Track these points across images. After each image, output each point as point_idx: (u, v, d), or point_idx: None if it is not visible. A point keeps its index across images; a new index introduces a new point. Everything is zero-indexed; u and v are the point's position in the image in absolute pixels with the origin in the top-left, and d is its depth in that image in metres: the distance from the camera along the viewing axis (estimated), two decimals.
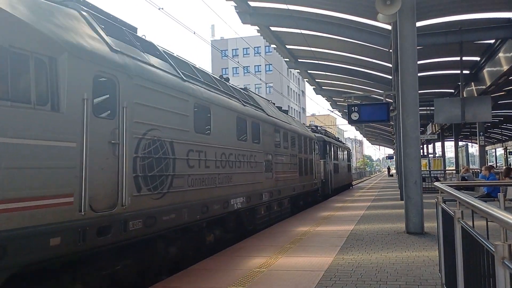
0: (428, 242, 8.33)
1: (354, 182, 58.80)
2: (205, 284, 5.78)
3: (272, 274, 6.15)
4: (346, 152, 31.89)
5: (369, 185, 39.70)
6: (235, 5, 14.41)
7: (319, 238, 9.27)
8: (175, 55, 8.34)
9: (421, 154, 17.12)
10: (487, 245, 2.35)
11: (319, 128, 25.16)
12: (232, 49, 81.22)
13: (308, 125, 26.27)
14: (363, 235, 9.40)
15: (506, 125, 39.97)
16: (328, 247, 8.12)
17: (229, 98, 9.55)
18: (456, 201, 3.85)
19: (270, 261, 6.98)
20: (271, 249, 8.10)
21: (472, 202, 2.76)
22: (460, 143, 36.28)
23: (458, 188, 6.41)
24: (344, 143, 35.13)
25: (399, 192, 19.73)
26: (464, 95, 17.39)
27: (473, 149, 54.27)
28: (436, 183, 5.31)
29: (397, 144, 23.61)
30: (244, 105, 10.47)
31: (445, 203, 4.66)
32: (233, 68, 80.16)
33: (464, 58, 15.92)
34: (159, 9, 15.00)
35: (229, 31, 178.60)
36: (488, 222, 5.93)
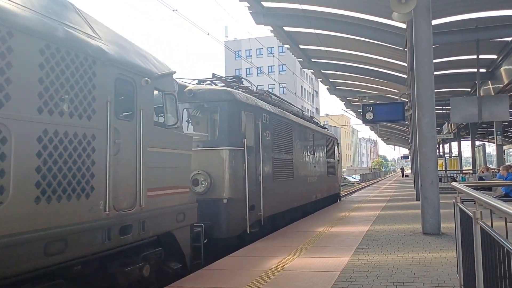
0: (445, 243, 8.22)
1: (363, 184, 58.03)
2: (219, 284, 5.79)
3: (287, 274, 6.13)
4: (325, 143, 18.21)
5: (382, 186, 39.41)
6: (249, 5, 14.41)
7: (334, 238, 9.22)
8: None
9: (437, 154, 15.95)
10: (508, 246, 2.31)
11: (245, 82, 11.75)
12: (246, 50, 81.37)
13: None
14: (379, 236, 9.32)
15: None
16: (344, 247, 8.07)
17: None
18: (474, 201, 3.80)
19: (285, 262, 6.96)
20: (286, 249, 8.08)
21: (492, 203, 2.71)
22: (477, 143, 35.79)
23: (476, 188, 6.32)
24: (323, 126, 20.67)
25: (414, 192, 19.53)
26: (481, 94, 17.15)
27: (490, 148, 53.47)
28: (454, 183, 5.24)
29: (412, 144, 23.36)
30: None
31: (463, 204, 4.59)
32: (246, 68, 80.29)
33: (480, 56, 15.68)
34: (173, 10, 15.10)
35: (242, 32, 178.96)
36: (508, 223, 5.83)
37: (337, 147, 21.71)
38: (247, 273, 6.29)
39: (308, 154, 15.06)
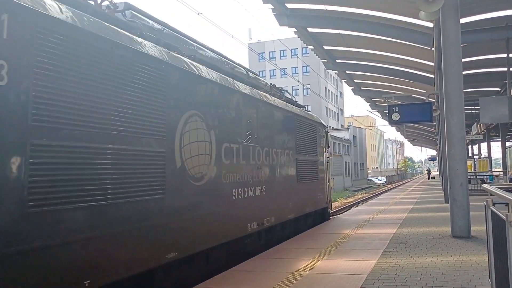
0: (475, 246, 8.03)
1: (389, 186, 57.27)
2: (245, 286, 5.80)
3: (313, 277, 6.09)
4: (293, 128, 11.08)
5: (409, 188, 38.78)
6: (272, 7, 14.43)
7: (360, 241, 9.12)
8: None
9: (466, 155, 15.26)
10: None
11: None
12: (269, 52, 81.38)
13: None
14: (407, 239, 9.16)
15: None
16: (370, 250, 7.97)
17: None
18: (506, 204, 3.70)
19: (311, 264, 6.92)
20: (311, 251, 8.04)
21: None
22: (508, 144, 34.84)
23: (507, 190, 6.15)
24: (298, 104, 13.12)
25: (442, 194, 19.15)
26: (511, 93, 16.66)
27: None
28: (485, 185, 5.11)
29: (440, 145, 22.93)
30: None
31: (494, 206, 4.48)
32: (270, 70, 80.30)
33: (511, 55, 15.28)
34: (198, 14, 15.25)
35: (266, 34, 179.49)
36: None
37: (325, 138, 14.34)
38: (273, 275, 6.28)
39: (241, 144, 7.96)
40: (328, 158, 14.62)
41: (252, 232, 8.31)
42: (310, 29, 16.60)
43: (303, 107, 13.48)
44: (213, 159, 6.96)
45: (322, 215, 13.90)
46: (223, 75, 7.69)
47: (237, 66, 9.48)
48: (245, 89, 8.49)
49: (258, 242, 9.03)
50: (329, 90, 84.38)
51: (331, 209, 15.97)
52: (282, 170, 10.05)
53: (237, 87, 8.09)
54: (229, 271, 6.75)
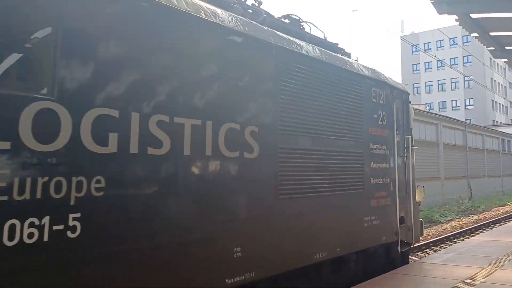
0: None
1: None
2: None
3: (489, 287, 5.55)
4: (250, 64, 4.66)
5: None
6: None
7: None
8: None
9: None
10: None
11: None
12: (424, 43, 76.36)
13: None
14: None
15: None
16: None
17: None
18: None
19: (483, 273, 6.31)
20: (481, 260, 7.34)
21: None
22: None
23: None
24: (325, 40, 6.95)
25: None
26: None
27: None
28: None
29: None
30: None
31: None
32: (425, 63, 75.36)
33: None
34: (352, 11, 15.10)
35: (418, 26, 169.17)
36: None
37: (402, 112, 7.84)
38: (437, 281, 5.91)
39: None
40: (405, 150, 7.75)
41: None
42: (473, 15, 15.11)
43: (340, 50, 7.27)
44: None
45: (386, 259, 7.18)
46: None
47: None
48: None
49: None
50: (495, 80, 75.57)
51: (413, 244, 8.04)
52: (196, 173, 4.04)
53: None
54: (389, 273, 6.54)
